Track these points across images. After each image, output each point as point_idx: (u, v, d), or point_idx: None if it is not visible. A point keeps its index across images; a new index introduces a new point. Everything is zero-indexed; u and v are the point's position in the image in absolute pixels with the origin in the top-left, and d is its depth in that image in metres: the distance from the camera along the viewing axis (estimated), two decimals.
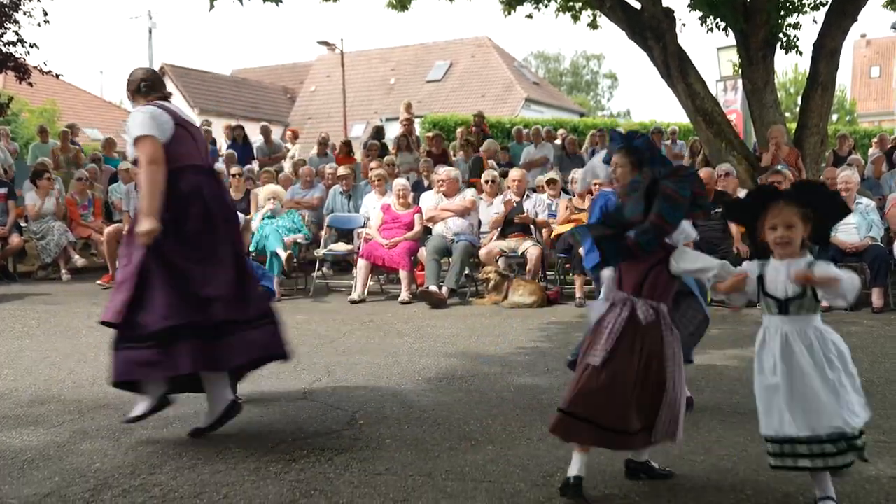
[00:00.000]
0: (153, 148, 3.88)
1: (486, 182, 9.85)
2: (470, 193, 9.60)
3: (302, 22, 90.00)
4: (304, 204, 10.76)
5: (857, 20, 10.31)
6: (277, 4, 10.10)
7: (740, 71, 11.22)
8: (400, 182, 9.66)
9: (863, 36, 45.22)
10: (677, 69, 10.45)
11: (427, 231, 9.46)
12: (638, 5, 10.63)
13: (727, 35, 11.08)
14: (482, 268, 9.06)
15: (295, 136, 16.87)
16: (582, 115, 36.52)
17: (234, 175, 10.61)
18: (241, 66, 48.01)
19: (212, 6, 9.79)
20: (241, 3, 10.02)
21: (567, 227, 8.77)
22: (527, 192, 9.48)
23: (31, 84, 13.97)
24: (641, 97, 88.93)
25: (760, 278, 3.01)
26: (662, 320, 3.18)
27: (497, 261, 9.00)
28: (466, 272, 9.27)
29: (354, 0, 28.56)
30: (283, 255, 8.84)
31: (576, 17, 12.71)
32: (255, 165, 13.66)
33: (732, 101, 16.46)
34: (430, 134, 15.02)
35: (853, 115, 41.73)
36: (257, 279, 4.31)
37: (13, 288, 9.87)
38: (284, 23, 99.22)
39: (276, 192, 9.77)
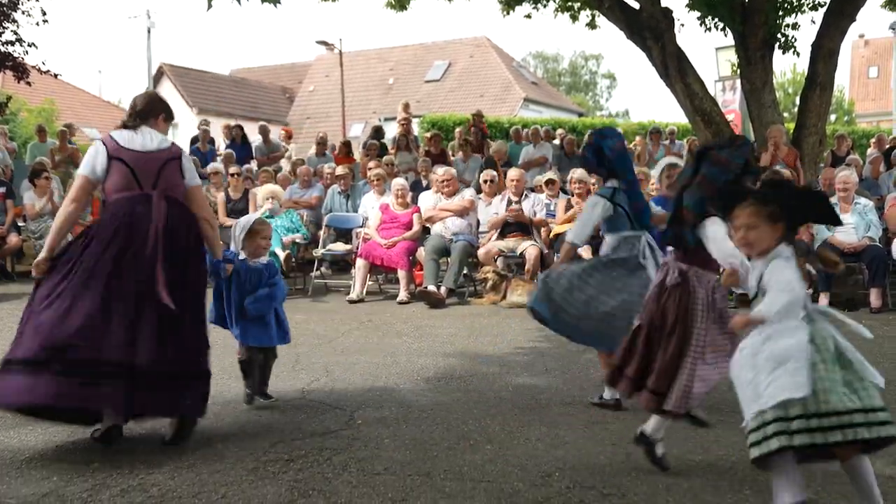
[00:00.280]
0: (76, 186, 4.02)
1: (486, 182, 9.86)
2: (468, 193, 9.60)
3: (300, 22, 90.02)
4: (303, 204, 10.77)
5: (855, 20, 10.30)
6: (275, 5, 10.11)
7: (739, 71, 11.20)
8: (398, 182, 9.65)
9: (861, 36, 45.18)
10: (676, 69, 10.43)
11: (426, 231, 9.46)
12: (636, 5, 10.61)
13: (725, 35, 11.07)
14: (481, 268, 9.06)
15: (289, 136, 16.82)
16: (580, 115, 36.51)
17: (232, 175, 10.62)
18: (239, 65, 47.96)
19: (210, 6, 9.80)
20: (240, 2, 10.05)
21: (566, 227, 8.76)
22: (525, 192, 9.48)
23: (29, 83, 13.92)
24: (640, 97, 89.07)
25: None
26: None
27: (496, 261, 9.00)
28: (465, 272, 9.27)
29: (353, 0, 28.46)
30: (282, 254, 8.84)
31: (574, 17, 12.68)
32: (253, 165, 13.66)
33: (731, 102, 16.49)
34: (429, 134, 14.99)
35: (851, 116, 41.71)
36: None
37: (11, 287, 9.84)
38: (283, 23, 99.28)
39: (275, 191, 9.76)
